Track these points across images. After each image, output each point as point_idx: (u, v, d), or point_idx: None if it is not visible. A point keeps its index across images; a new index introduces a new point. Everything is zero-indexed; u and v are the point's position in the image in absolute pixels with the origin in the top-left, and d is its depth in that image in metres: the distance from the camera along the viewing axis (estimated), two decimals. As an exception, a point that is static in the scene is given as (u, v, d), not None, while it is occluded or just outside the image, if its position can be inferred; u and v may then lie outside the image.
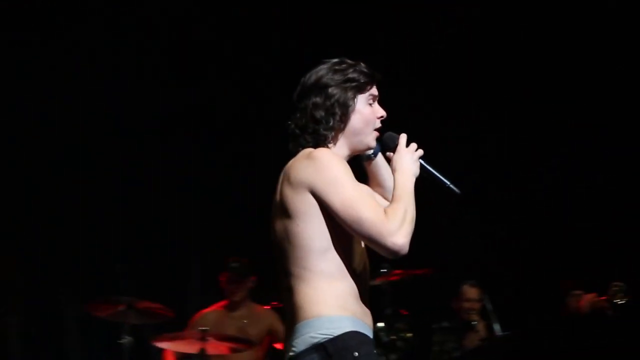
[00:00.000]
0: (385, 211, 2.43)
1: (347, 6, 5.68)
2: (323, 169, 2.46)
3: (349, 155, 2.61)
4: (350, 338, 2.39)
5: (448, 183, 2.60)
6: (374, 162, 2.73)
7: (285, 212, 2.48)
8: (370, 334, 2.46)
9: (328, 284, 2.45)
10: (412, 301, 4.95)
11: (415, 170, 2.56)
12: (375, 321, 2.55)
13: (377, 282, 4.50)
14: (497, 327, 4.91)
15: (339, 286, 2.46)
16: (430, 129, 5.70)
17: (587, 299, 4.74)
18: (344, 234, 2.47)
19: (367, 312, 2.48)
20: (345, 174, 2.46)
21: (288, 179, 2.49)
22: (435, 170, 2.60)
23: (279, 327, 4.53)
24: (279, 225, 2.50)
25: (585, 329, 4.40)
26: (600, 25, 5.55)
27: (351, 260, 2.49)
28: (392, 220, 2.40)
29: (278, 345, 4.66)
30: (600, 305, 4.59)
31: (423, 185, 2.59)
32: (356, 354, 2.38)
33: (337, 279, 2.46)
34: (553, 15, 5.63)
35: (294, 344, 2.43)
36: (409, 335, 4.59)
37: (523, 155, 5.89)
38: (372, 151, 2.67)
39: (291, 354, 2.43)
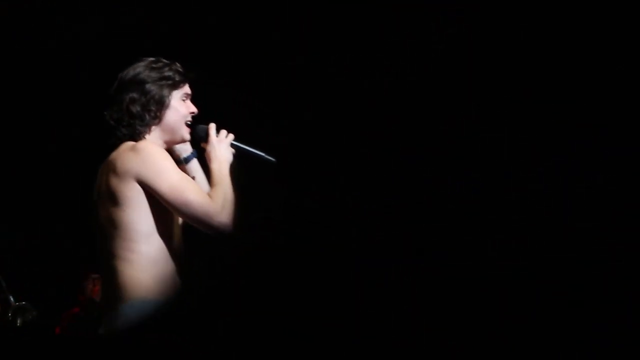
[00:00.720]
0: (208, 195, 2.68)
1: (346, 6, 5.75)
2: (149, 159, 2.70)
3: (163, 147, 2.86)
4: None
5: (263, 154, 2.94)
6: (188, 167, 2.97)
7: (111, 200, 2.70)
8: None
9: (152, 266, 2.67)
10: None
11: (228, 156, 2.86)
12: None
13: None
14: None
15: (160, 269, 2.69)
16: (430, 128, 5.82)
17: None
18: (165, 220, 2.73)
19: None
20: (169, 162, 2.73)
21: (114, 170, 2.72)
22: (249, 146, 2.93)
23: None
24: (103, 212, 2.71)
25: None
26: (601, 25, 5.53)
27: (171, 243, 2.75)
28: (215, 202, 2.67)
29: None
30: None
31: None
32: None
33: (159, 262, 2.70)
34: (553, 15, 5.62)
35: (117, 323, 2.62)
36: None
37: (523, 155, 5.85)
38: (187, 154, 2.94)
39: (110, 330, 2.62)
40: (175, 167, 2.76)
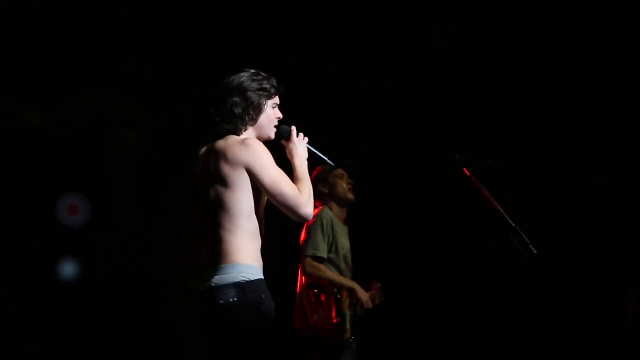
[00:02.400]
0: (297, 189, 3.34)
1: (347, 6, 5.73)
2: (257, 153, 3.29)
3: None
4: (261, 283, 3.26)
5: (326, 159, 3.59)
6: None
7: (221, 183, 3.30)
8: None
9: (249, 239, 3.28)
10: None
11: (306, 154, 3.50)
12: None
13: None
14: None
15: (255, 242, 3.31)
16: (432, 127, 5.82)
17: None
18: (259, 204, 3.35)
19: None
20: (271, 159, 3.30)
21: (225, 158, 3.30)
22: (318, 151, 3.57)
23: None
24: (212, 192, 3.31)
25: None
26: (600, 26, 5.57)
27: (261, 224, 3.36)
28: (304, 195, 3.32)
29: None
30: None
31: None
32: (263, 295, 3.23)
33: (254, 237, 3.31)
34: (553, 15, 5.65)
35: (216, 279, 3.22)
36: None
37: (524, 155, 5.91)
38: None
39: (212, 285, 3.22)
40: (274, 162, 3.31)
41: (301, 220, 3.33)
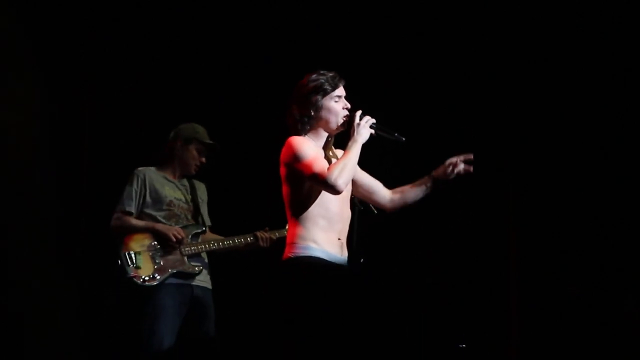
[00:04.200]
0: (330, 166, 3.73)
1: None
2: (290, 148, 3.75)
3: (327, 136, 3.89)
4: None
5: (395, 135, 3.83)
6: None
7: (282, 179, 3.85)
8: None
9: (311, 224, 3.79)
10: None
11: (365, 136, 3.79)
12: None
13: None
14: None
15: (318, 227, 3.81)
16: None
17: None
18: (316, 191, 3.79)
19: None
20: (302, 148, 3.73)
21: (280, 158, 3.80)
22: (385, 129, 3.82)
23: None
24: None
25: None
26: (601, 25, 5.64)
27: (328, 209, 3.80)
28: (331, 171, 3.68)
29: None
30: None
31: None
32: None
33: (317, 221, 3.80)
34: (553, 15, 5.73)
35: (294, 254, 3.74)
36: None
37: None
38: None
39: None
40: (307, 150, 3.74)
41: (336, 194, 3.71)
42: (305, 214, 3.76)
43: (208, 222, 5.04)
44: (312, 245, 3.72)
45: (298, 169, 3.75)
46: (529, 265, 5.81)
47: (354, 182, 3.96)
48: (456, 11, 5.91)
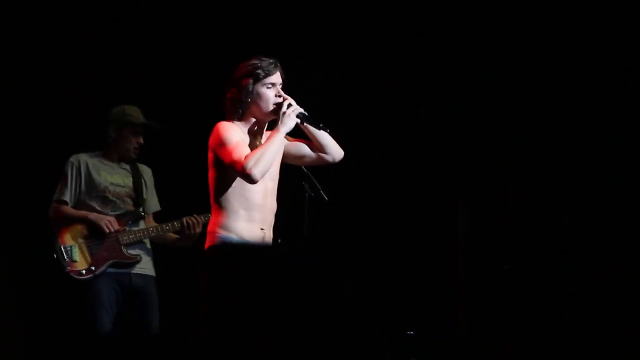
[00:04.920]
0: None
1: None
2: (213, 134, 3.76)
3: (260, 122, 3.85)
4: None
5: (321, 125, 3.82)
6: (303, 127, 3.89)
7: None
8: None
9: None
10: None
11: (290, 125, 3.76)
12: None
13: None
14: None
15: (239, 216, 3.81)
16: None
17: None
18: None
19: None
20: (226, 134, 3.71)
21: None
22: (312, 119, 3.80)
23: None
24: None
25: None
26: (600, 26, 5.58)
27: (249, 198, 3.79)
28: (248, 160, 3.65)
29: None
30: None
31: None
32: None
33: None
34: (553, 15, 5.67)
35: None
36: None
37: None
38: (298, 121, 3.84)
39: None
40: (231, 135, 3.70)
41: (251, 182, 3.65)
42: (226, 202, 3.73)
43: (156, 207, 4.89)
44: (231, 235, 3.70)
45: (220, 154, 3.72)
46: (527, 264, 5.74)
47: (284, 156, 3.91)
48: (456, 11, 5.83)
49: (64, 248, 4.56)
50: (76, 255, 4.56)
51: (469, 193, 5.83)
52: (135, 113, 4.84)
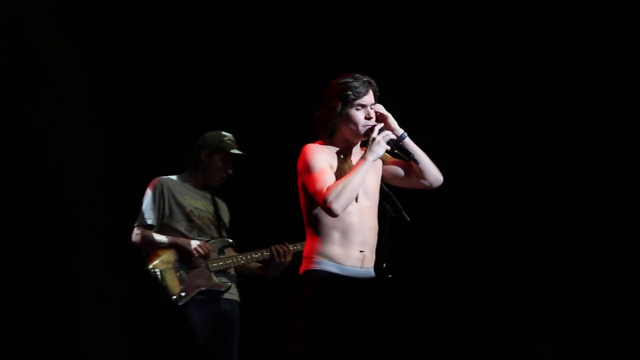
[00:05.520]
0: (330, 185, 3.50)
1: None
2: (300, 158, 3.59)
3: (351, 142, 3.66)
4: None
5: (411, 154, 3.61)
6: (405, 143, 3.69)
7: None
8: None
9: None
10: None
11: (379, 152, 3.57)
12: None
13: None
14: None
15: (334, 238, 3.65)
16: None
17: None
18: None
19: None
20: (313, 159, 3.55)
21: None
22: (404, 148, 3.61)
23: None
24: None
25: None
26: (600, 26, 5.65)
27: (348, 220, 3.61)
28: (331, 190, 3.48)
29: None
30: None
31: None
32: None
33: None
34: (553, 15, 5.73)
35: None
36: None
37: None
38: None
39: None
40: (318, 162, 3.56)
41: (332, 216, 3.51)
42: (320, 226, 3.59)
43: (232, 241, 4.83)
44: (326, 260, 3.56)
45: (305, 182, 3.59)
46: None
47: (383, 177, 3.75)
48: (456, 11, 5.88)
49: (154, 272, 4.51)
50: (167, 280, 4.51)
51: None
52: (231, 141, 4.76)
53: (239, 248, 4.78)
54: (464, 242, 5.86)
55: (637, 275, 5.57)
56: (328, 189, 3.48)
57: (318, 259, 3.57)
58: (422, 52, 5.86)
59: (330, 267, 3.56)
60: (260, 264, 4.75)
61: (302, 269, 3.62)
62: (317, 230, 3.59)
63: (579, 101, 5.72)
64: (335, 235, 3.57)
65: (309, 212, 3.61)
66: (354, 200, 3.56)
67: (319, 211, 3.56)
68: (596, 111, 5.69)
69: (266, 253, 4.68)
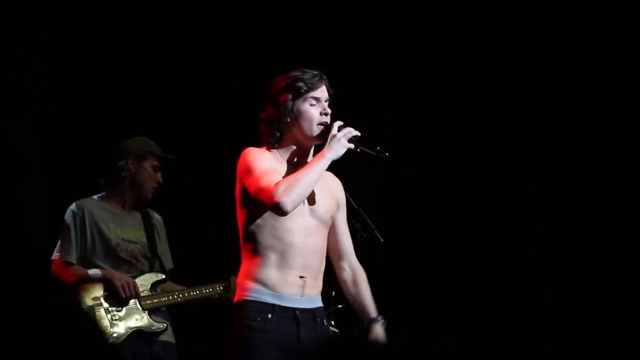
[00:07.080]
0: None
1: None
2: (241, 160, 3.16)
3: (303, 147, 3.20)
4: None
5: (378, 148, 3.14)
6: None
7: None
8: None
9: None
10: None
11: (339, 151, 3.10)
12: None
13: None
14: None
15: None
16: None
17: None
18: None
19: None
20: (255, 160, 3.12)
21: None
22: (368, 143, 3.13)
23: None
24: None
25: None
26: (600, 26, 5.56)
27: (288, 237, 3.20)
28: (278, 187, 3.01)
29: None
30: None
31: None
32: None
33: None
34: (553, 15, 5.62)
35: None
36: None
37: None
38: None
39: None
40: (265, 161, 3.10)
41: (280, 214, 3.05)
42: (257, 246, 3.10)
43: (169, 265, 4.27)
44: (261, 287, 3.09)
45: (246, 184, 3.10)
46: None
47: (332, 231, 3.28)
48: (456, 11, 5.73)
49: (81, 309, 3.94)
50: (95, 319, 3.95)
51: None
52: (155, 145, 4.23)
53: (180, 278, 4.27)
54: (464, 242, 5.72)
55: (637, 275, 5.45)
56: (277, 184, 3.02)
57: (252, 286, 3.10)
58: (422, 52, 5.73)
59: (266, 297, 3.09)
60: (215, 295, 4.22)
61: (235, 298, 3.17)
62: (253, 250, 3.11)
63: (578, 101, 5.61)
64: (272, 257, 3.10)
65: (245, 227, 3.13)
66: (297, 216, 3.09)
67: (256, 227, 3.09)
68: (596, 111, 5.58)
69: (220, 288, 4.19)
